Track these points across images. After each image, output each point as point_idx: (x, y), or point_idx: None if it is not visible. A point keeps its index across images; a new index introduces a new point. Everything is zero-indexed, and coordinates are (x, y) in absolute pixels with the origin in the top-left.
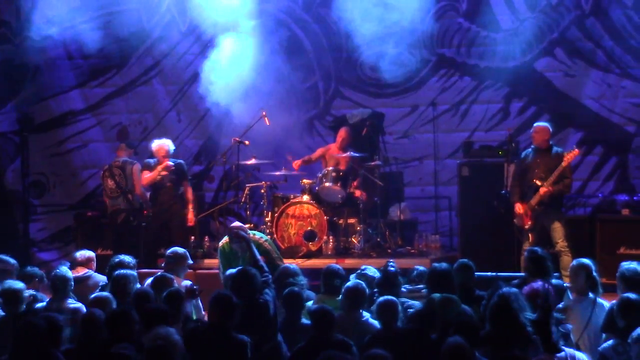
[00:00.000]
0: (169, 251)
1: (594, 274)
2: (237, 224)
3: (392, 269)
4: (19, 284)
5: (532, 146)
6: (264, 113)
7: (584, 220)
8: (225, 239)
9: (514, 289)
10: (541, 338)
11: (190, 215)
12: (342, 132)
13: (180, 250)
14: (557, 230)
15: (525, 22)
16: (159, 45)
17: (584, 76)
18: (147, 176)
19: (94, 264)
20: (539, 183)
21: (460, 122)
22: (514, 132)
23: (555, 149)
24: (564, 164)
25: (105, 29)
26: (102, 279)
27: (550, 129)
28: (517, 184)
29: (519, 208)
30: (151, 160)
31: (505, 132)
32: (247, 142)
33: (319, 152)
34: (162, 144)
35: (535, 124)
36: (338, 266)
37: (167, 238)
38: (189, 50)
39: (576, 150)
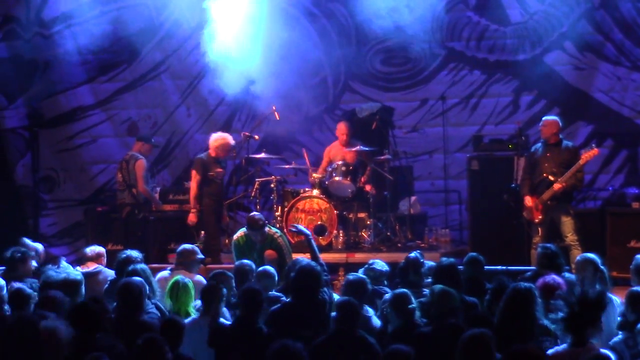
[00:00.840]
0: (178, 248)
1: (601, 267)
2: (255, 213)
3: (412, 255)
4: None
5: (542, 140)
6: (274, 107)
7: (594, 214)
8: (240, 232)
9: (529, 284)
10: (573, 331)
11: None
12: (342, 129)
13: (188, 246)
14: (567, 223)
15: (534, 15)
16: (169, 41)
17: (594, 69)
18: (194, 186)
19: (104, 259)
20: (552, 178)
21: (469, 116)
22: (524, 125)
23: (565, 142)
24: (581, 162)
25: (115, 25)
26: (112, 274)
27: (560, 123)
28: (527, 177)
29: (528, 201)
30: (203, 155)
31: (515, 126)
32: (256, 137)
33: (325, 157)
34: (227, 139)
35: (543, 118)
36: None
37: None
38: (198, 45)
39: (595, 149)
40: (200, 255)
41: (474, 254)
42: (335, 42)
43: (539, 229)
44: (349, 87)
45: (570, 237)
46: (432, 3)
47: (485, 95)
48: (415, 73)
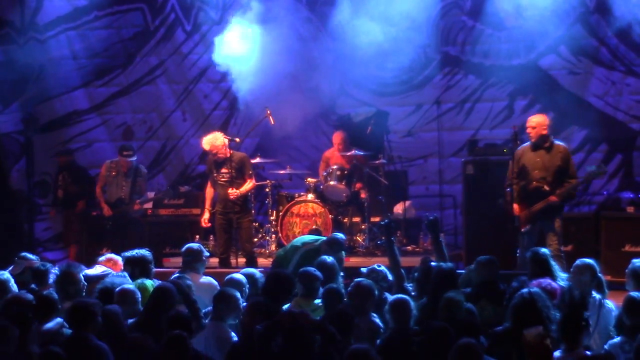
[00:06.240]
0: (184, 248)
1: (599, 274)
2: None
3: (434, 263)
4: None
5: (529, 141)
6: (268, 112)
7: (589, 218)
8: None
9: (534, 289)
10: (567, 337)
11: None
12: (338, 137)
13: (194, 245)
14: (553, 234)
15: (529, 20)
16: (164, 45)
17: (589, 74)
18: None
19: (117, 265)
20: (547, 188)
21: (464, 120)
22: (519, 129)
23: (555, 144)
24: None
25: (110, 29)
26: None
27: (548, 120)
28: (515, 182)
29: (517, 210)
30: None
31: (510, 130)
32: (237, 139)
33: (323, 162)
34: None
35: (530, 117)
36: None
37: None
38: (193, 49)
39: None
40: (206, 254)
41: (488, 256)
42: (330, 46)
43: (525, 237)
44: (344, 92)
45: (554, 246)
46: (426, 7)
47: (480, 99)
48: (410, 78)
